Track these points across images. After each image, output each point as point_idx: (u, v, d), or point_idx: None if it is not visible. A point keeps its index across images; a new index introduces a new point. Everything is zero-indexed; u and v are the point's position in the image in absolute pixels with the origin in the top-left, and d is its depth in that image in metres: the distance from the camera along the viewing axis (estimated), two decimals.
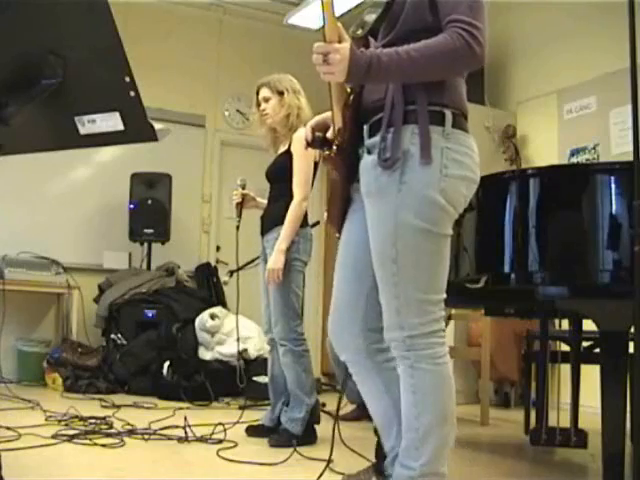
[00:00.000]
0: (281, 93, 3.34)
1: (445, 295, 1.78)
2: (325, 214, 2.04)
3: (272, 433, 3.23)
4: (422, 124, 1.72)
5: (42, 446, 2.83)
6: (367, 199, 1.82)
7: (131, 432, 3.18)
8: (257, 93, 3.40)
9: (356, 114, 1.84)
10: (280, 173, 3.30)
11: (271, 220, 3.31)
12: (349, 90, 1.84)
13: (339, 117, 1.84)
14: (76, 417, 3.47)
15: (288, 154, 3.29)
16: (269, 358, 3.44)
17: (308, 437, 3.20)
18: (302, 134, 3.26)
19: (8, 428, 3.06)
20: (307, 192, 3.24)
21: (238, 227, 3.37)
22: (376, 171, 1.76)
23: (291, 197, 3.24)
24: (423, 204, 1.71)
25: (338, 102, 1.86)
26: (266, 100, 3.35)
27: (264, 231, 3.37)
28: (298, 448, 2.92)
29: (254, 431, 3.34)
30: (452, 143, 1.73)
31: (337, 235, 1.99)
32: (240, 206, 3.43)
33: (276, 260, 3.14)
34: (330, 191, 2.02)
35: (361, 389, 1.95)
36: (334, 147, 1.84)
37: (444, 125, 1.73)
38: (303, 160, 3.23)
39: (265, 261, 3.33)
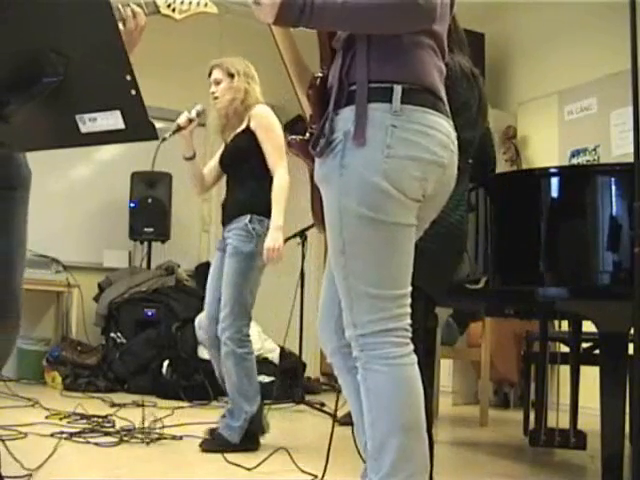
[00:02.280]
0: (232, 75, 3.20)
1: (408, 290, 1.62)
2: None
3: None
4: (359, 101, 1.58)
5: (42, 444, 2.83)
6: (319, 188, 1.71)
7: (130, 431, 3.18)
8: (209, 75, 3.26)
9: (324, 100, 1.70)
10: (241, 155, 3.15)
11: (236, 208, 3.12)
12: (314, 74, 1.74)
13: (306, 102, 1.76)
14: (79, 415, 3.47)
15: (247, 133, 3.12)
16: (213, 358, 3.22)
17: (245, 445, 2.99)
18: (262, 110, 3.13)
19: (7, 426, 3.06)
20: (286, 163, 3.04)
21: (164, 139, 2.99)
22: (320, 157, 1.66)
23: (257, 181, 3.09)
24: (364, 189, 1.56)
25: (301, 86, 1.80)
26: (217, 82, 3.22)
27: (227, 220, 3.16)
28: (293, 455, 2.74)
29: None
30: (402, 121, 1.56)
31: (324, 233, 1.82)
32: (178, 129, 3.15)
33: (276, 237, 2.95)
34: (311, 184, 1.88)
35: (342, 389, 1.89)
36: (307, 134, 1.71)
37: (391, 102, 1.57)
38: (272, 131, 3.07)
39: (221, 251, 3.17)
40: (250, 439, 3.04)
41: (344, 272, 1.62)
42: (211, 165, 3.35)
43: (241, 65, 3.24)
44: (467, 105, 2.36)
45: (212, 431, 3.11)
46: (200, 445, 2.99)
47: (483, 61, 5.52)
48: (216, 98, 3.21)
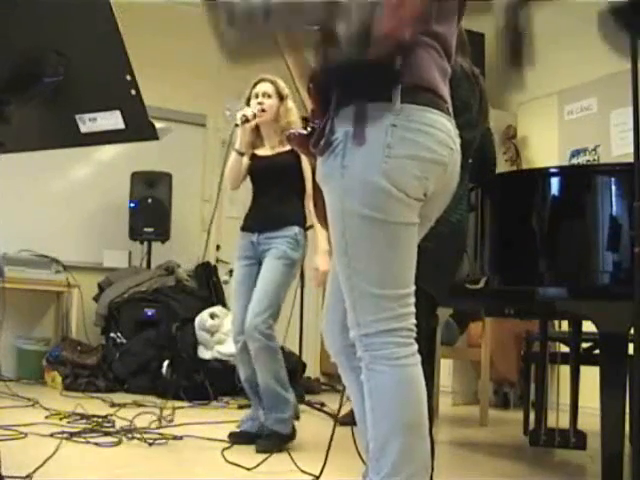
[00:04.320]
0: (285, 97, 3.28)
1: (411, 289, 1.62)
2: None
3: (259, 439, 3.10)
4: (358, 102, 1.58)
5: (42, 444, 2.83)
6: (321, 186, 1.71)
7: (130, 431, 3.18)
8: (254, 86, 3.30)
9: (325, 95, 1.68)
10: (289, 172, 3.25)
11: (283, 219, 3.22)
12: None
13: (307, 97, 1.75)
14: (79, 415, 3.47)
15: (293, 153, 3.18)
16: (241, 361, 3.24)
17: (293, 436, 3.15)
18: None
19: (7, 426, 3.06)
20: None
21: (237, 125, 3.14)
22: (321, 157, 1.65)
23: (296, 197, 3.24)
24: (366, 189, 1.55)
25: (301, 81, 1.79)
26: (268, 96, 3.26)
27: (268, 228, 3.22)
28: (293, 455, 2.74)
29: (239, 438, 3.16)
30: (402, 120, 1.55)
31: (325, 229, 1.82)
32: (247, 120, 3.15)
33: (325, 261, 3.06)
34: (313, 180, 1.89)
35: (347, 391, 1.88)
36: (308, 128, 1.70)
37: (391, 101, 1.56)
38: None
39: (252, 259, 3.23)
40: (293, 428, 3.17)
41: (347, 272, 1.62)
42: (244, 165, 3.38)
43: (286, 87, 3.31)
44: (467, 105, 2.36)
45: (232, 435, 3.16)
46: (256, 447, 3.02)
47: (483, 61, 5.52)
48: (263, 111, 3.24)
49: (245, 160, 3.37)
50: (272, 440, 3.05)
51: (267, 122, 3.28)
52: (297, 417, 3.25)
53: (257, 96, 3.27)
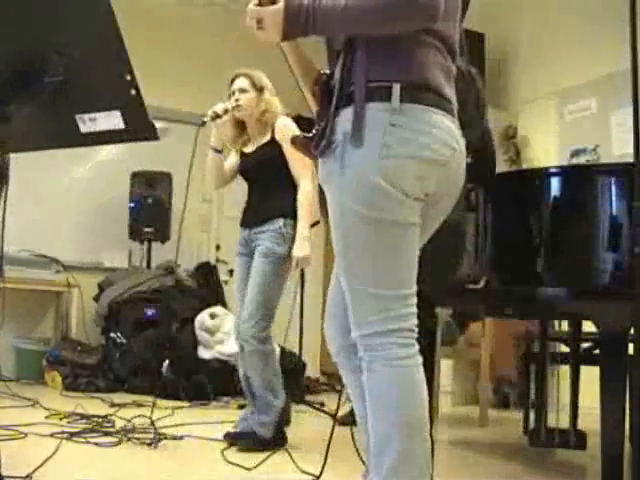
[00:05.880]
0: (260, 89, 3.23)
1: (412, 289, 1.61)
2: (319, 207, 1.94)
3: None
4: (356, 102, 1.57)
5: (42, 444, 2.83)
6: (323, 187, 1.72)
7: (130, 431, 3.18)
8: (232, 82, 3.27)
9: (330, 97, 1.68)
10: (270, 164, 3.19)
11: (268, 211, 3.17)
12: (320, 71, 1.73)
13: (312, 100, 1.76)
14: (79, 415, 3.47)
15: (272, 144, 3.18)
16: (241, 358, 3.21)
17: (278, 441, 3.07)
18: (286, 122, 3.19)
19: (7, 426, 3.06)
20: (313, 173, 3.07)
21: (204, 123, 3.09)
22: (322, 158, 1.65)
23: (285, 188, 3.15)
24: (364, 189, 1.55)
25: (306, 84, 1.79)
26: (243, 91, 3.23)
27: (254, 223, 3.21)
28: (293, 455, 2.76)
29: (235, 438, 3.13)
30: (401, 119, 1.55)
31: None
32: (216, 116, 3.11)
33: (303, 247, 3.04)
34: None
35: (348, 391, 1.88)
36: (313, 131, 1.68)
37: (390, 101, 1.56)
38: None
39: (246, 255, 3.20)
40: (280, 433, 3.11)
41: (348, 272, 1.62)
42: (232, 162, 3.37)
43: (265, 79, 3.29)
44: (464, 105, 2.35)
45: (228, 435, 3.14)
46: (237, 445, 3.02)
47: (483, 61, 5.52)
48: (239, 106, 3.21)
49: (234, 159, 3.36)
50: (250, 441, 3.04)
51: (248, 117, 3.25)
52: (287, 422, 3.20)
53: (234, 93, 3.25)
